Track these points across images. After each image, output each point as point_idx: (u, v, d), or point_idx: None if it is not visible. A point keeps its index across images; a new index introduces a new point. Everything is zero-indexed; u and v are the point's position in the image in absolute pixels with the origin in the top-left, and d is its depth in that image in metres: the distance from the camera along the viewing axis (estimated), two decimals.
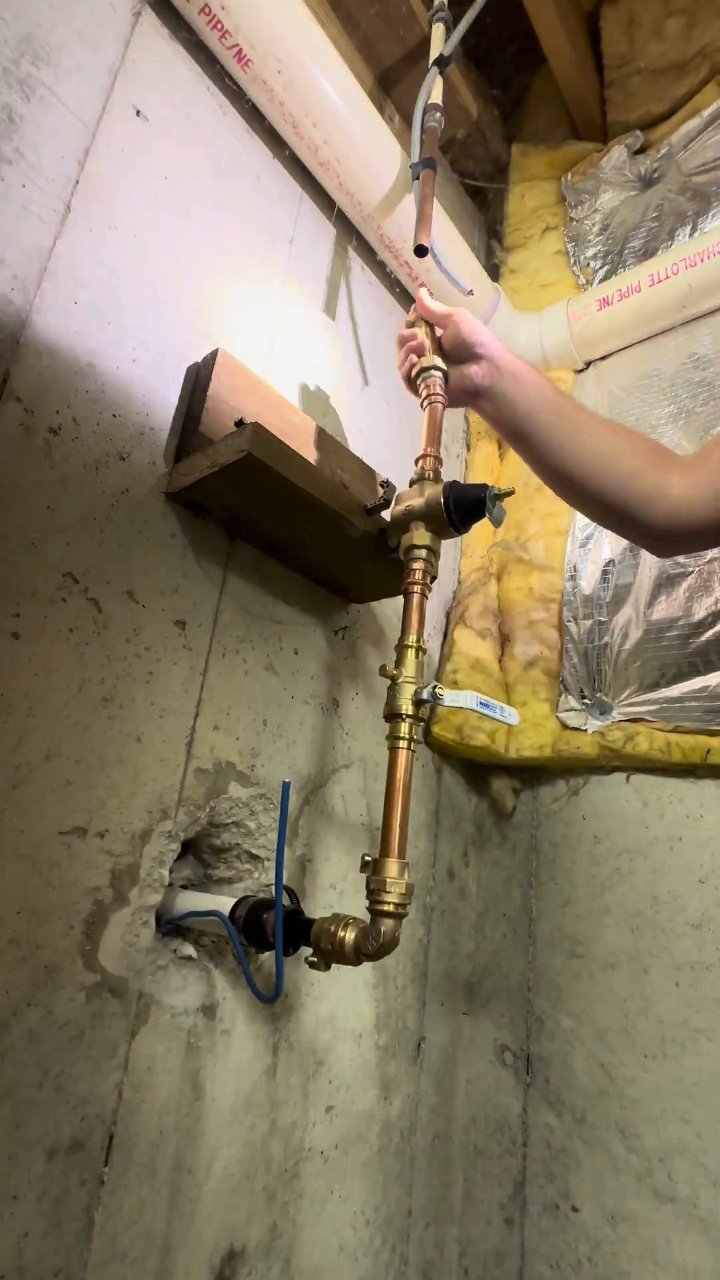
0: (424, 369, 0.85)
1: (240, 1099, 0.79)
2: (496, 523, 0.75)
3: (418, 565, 0.76)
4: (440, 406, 0.84)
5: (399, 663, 0.73)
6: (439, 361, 0.85)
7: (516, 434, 0.82)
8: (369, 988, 0.99)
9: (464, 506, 0.74)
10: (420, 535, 0.77)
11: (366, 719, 1.06)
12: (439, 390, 0.84)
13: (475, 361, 0.82)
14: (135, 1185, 0.67)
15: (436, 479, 0.80)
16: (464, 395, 0.84)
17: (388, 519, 0.84)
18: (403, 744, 0.70)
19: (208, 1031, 0.77)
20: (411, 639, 0.74)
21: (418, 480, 0.81)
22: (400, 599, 0.78)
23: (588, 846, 1.13)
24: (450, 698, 0.71)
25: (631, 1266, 0.91)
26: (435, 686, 0.71)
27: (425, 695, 0.71)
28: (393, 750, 0.70)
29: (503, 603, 1.30)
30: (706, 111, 1.37)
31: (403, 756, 0.69)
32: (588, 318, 1.36)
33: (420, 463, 0.83)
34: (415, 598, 0.75)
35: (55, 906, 0.65)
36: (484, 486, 0.74)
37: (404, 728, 0.70)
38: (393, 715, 0.71)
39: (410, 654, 0.73)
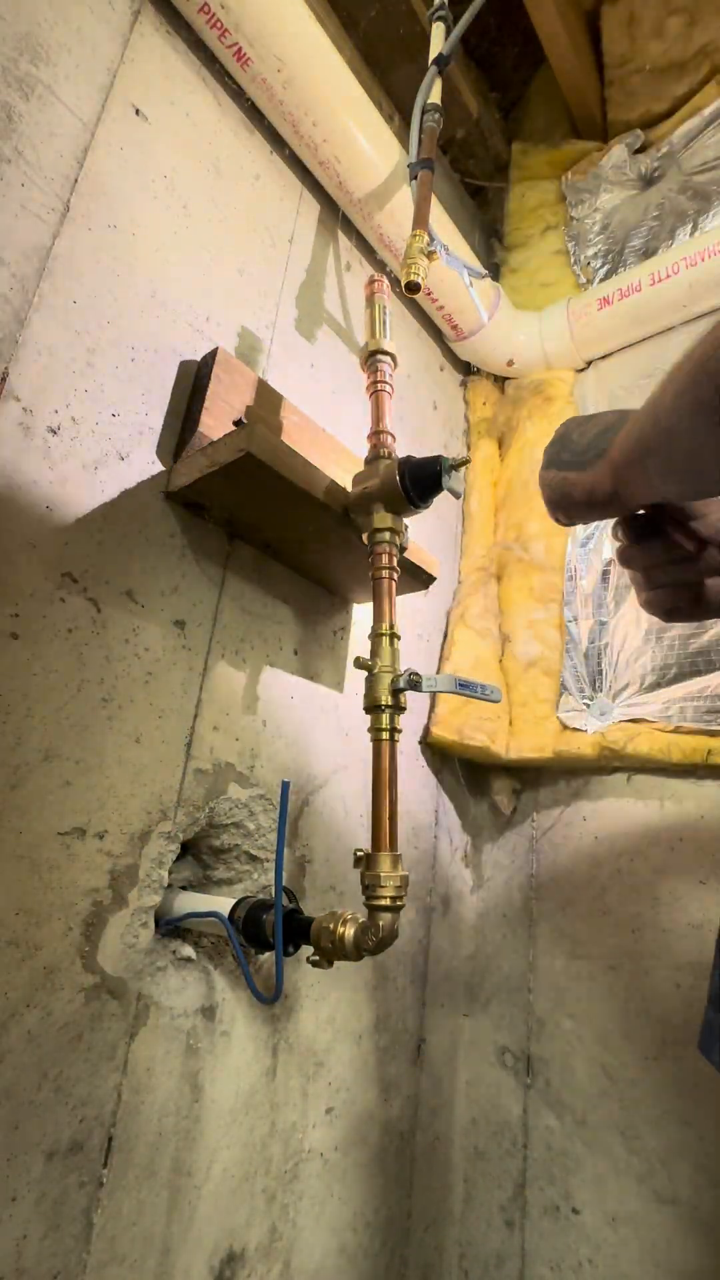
0: (371, 353, 0.84)
1: (240, 1100, 0.79)
2: (455, 494, 0.72)
3: (382, 550, 0.74)
4: (387, 396, 0.81)
5: (374, 653, 0.71)
6: (386, 346, 0.83)
7: None
8: (369, 989, 0.99)
9: (420, 481, 0.71)
10: (381, 518, 0.74)
11: (367, 720, 1.06)
12: (386, 378, 0.82)
13: None
14: (134, 1187, 0.67)
15: (390, 456, 0.78)
16: None
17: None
18: (385, 735, 0.68)
19: (207, 1033, 0.76)
20: (384, 627, 0.72)
21: (372, 460, 0.78)
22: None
23: (588, 847, 1.12)
24: (428, 683, 0.69)
25: (633, 1269, 0.91)
26: (411, 673, 0.69)
27: (403, 683, 0.69)
28: (376, 743, 0.68)
29: (503, 603, 1.30)
30: (707, 110, 1.37)
31: (386, 748, 0.68)
32: (588, 317, 1.36)
33: (372, 440, 0.80)
34: (384, 583, 0.73)
35: (54, 908, 0.64)
36: (438, 458, 0.71)
37: (385, 718, 0.68)
38: (373, 707, 0.69)
39: (385, 642, 0.71)
